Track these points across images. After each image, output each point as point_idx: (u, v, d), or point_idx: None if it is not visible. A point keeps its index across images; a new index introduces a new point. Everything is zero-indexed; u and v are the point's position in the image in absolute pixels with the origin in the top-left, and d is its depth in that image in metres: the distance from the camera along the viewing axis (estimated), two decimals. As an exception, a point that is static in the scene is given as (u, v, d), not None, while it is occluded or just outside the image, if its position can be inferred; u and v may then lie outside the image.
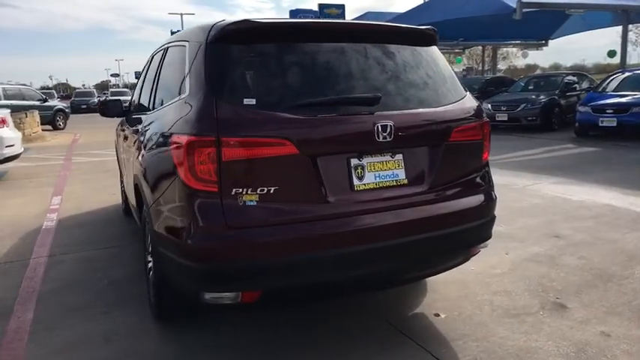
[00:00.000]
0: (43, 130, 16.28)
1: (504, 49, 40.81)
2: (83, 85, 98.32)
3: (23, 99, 17.42)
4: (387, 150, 2.39)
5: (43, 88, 74.40)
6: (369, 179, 2.35)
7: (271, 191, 2.14)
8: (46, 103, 18.36)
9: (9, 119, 8.19)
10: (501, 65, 46.09)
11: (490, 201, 2.74)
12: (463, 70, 39.17)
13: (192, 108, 2.23)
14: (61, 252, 4.30)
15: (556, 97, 12.97)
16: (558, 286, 3.35)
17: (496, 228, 4.87)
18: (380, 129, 2.30)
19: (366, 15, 26.20)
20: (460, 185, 2.60)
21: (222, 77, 2.22)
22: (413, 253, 2.42)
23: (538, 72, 32.18)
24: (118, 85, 73.36)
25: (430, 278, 3.47)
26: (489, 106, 13.06)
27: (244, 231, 2.12)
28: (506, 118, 12.74)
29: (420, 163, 2.48)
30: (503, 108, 12.84)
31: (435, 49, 2.81)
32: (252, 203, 2.12)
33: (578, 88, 13.61)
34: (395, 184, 2.40)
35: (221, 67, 2.24)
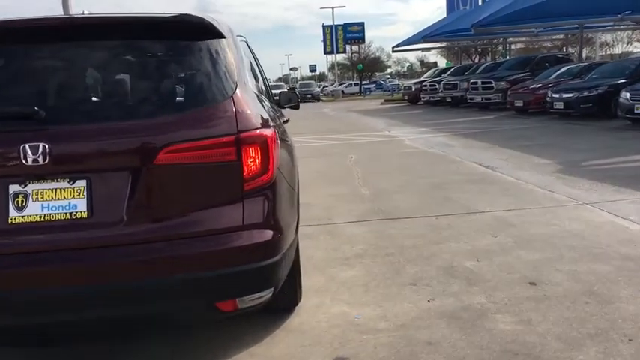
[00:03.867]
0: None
1: None
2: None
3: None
4: (61, 175, 1.91)
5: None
6: (33, 210, 1.90)
7: None
8: None
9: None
10: None
11: (252, 243, 2.02)
12: None
13: None
14: None
15: None
16: (430, 363, 2.38)
17: (468, 263, 3.76)
18: (29, 150, 1.84)
19: None
20: (186, 221, 1.96)
21: None
22: (89, 306, 1.89)
23: None
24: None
25: (280, 321, 2.80)
26: (628, 95, 10.41)
27: None
28: (650, 111, 10.01)
29: (114, 193, 1.93)
30: (646, 98, 10.11)
31: (198, 44, 2.12)
32: None
33: None
34: (69, 217, 1.91)
35: None
